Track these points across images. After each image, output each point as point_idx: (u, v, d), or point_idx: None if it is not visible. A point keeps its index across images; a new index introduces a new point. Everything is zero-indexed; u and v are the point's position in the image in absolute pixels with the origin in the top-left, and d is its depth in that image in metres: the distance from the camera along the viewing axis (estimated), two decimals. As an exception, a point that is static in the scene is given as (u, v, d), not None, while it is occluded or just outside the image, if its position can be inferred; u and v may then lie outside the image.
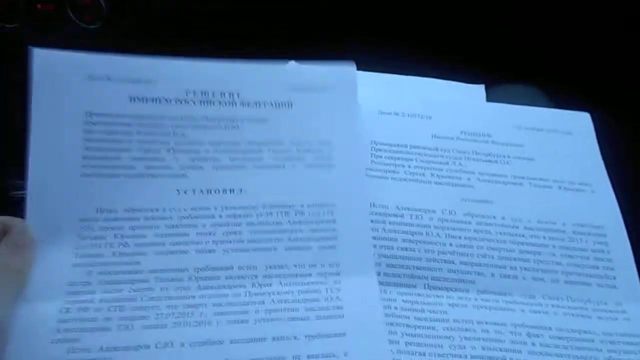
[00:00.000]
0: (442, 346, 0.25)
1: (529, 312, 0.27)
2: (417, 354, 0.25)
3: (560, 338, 0.26)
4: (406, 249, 0.29)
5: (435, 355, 0.25)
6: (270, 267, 0.27)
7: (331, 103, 0.31)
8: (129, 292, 0.26)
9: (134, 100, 0.28)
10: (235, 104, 0.30)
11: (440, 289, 0.28)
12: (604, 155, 0.34)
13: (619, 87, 0.40)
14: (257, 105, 0.30)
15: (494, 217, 0.30)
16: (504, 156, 0.33)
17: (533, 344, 0.26)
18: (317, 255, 0.27)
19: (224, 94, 0.30)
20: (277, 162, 0.29)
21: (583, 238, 0.30)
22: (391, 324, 0.26)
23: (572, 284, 0.28)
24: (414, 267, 0.28)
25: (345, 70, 0.31)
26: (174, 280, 0.26)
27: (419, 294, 0.28)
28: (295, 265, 0.27)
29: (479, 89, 0.37)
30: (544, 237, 0.30)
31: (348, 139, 0.30)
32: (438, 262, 0.29)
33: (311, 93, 0.31)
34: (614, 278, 0.29)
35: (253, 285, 0.26)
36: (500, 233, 0.30)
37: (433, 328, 0.26)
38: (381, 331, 0.25)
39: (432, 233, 0.29)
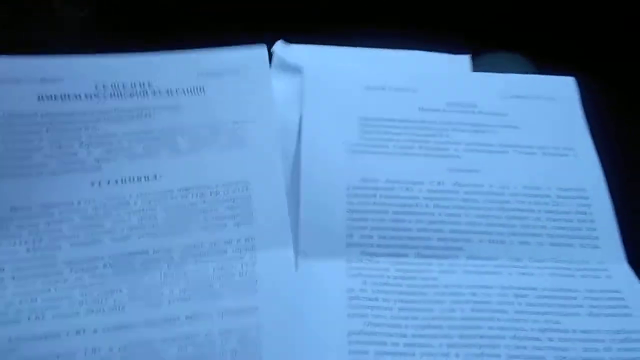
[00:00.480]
0: (433, 310, 0.27)
1: (515, 275, 0.29)
2: (409, 318, 0.26)
3: (545, 297, 0.27)
4: (397, 220, 0.30)
5: (427, 319, 0.26)
6: (186, 247, 0.27)
7: (243, 85, 0.32)
8: (42, 284, 0.26)
9: (42, 98, 0.29)
10: (147, 94, 0.31)
11: (430, 257, 0.29)
12: (589, 119, 0.34)
13: (603, 52, 0.40)
14: (169, 94, 0.31)
15: (481, 186, 0.31)
16: (490, 125, 0.34)
17: (519, 304, 0.27)
18: (232, 231, 0.28)
19: (135, 85, 0.30)
20: (191, 146, 0.30)
21: (567, 201, 0.31)
22: (385, 291, 0.27)
23: (557, 245, 0.30)
24: (405, 237, 0.30)
25: (255, 53, 0.33)
26: (89, 270, 0.26)
27: (410, 263, 0.29)
28: (210, 244, 0.27)
29: (464, 59, 0.38)
30: (529, 202, 0.31)
31: (261, 118, 0.31)
32: (428, 231, 0.30)
33: (222, 77, 0.32)
34: (597, 238, 0.30)
35: (169, 266, 0.27)
36: (487, 201, 0.31)
37: (424, 294, 0.28)
38: (295, 303, 0.26)
39: (421, 204, 0.31)
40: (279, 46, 0.36)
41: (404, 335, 0.26)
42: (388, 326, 0.26)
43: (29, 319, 0.25)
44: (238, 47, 0.33)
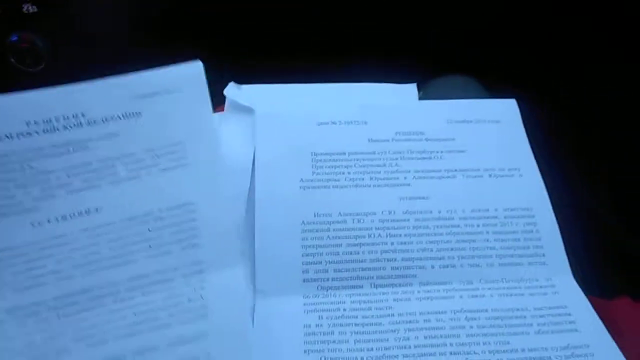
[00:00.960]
0: (388, 340, 0.27)
1: (467, 298, 0.29)
2: (365, 350, 0.27)
3: (495, 318, 0.28)
4: (351, 252, 0.31)
5: (382, 349, 0.27)
6: (132, 279, 0.27)
7: (180, 104, 0.31)
8: None
9: None
10: (82, 124, 0.30)
11: (385, 286, 0.30)
12: (532, 139, 0.36)
13: (544, 74, 0.42)
14: (105, 121, 0.30)
15: (431, 212, 0.32)
16: (437, 152, 0.35)
17: (471, 327, 0.28)
18: (179, 257, 0.28)
19: (68, 117, 0.30)
20: (131, 173, 0.29)
21: (514, 221, 0.32)
22: (341, 324, 0.28)
23: (506, 265, 0.31)
24: (359, 268, 0.30)
25: (190, 70, 0.32)
26: (32, 315, 0.26)
27: (366, 294, 0.30)
28: (157, 272, 0.27)
29: (412, 88, 0.39)
30: (478, 225, 0.32)
31: (201, 136, 0.31)
32: (381, 261, 0.31)
33: (159, 97, 0.31)
34: (543, 255, 0.31)
35: (114, 301, 0.26)
36: (437, 226, 0.32)
37: (380, 324, 0.28)
38: (245, 326, 0.26)
39: (374, 235, 0.31)
40: (231, 88, 0.37)
41: (360, 368, 0.26)
42: (344, 359, 0.27)
43: None
44: (172, 65, 0.32)
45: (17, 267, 0.27)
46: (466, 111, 0.37)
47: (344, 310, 0.29)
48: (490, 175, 0.34)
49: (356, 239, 0.31)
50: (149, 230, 0.28)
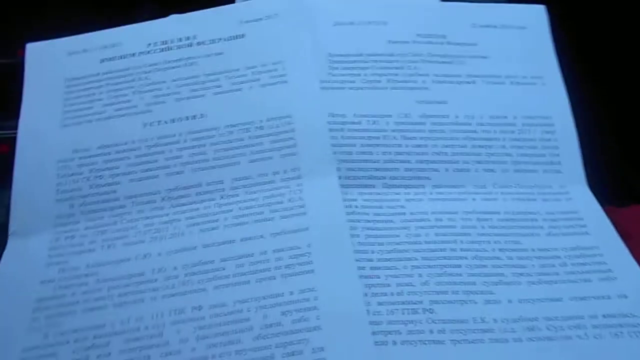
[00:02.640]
0: (399, 236, 0.28)
1: (479, 201, 0.29)
2: (376, 244, 0.27)
3: (507, 220, 0.28)
4: (364, 152, 0.30)
5: (392, 244, 0.27)
6: (235, 179, 0.29)
7: (281, 28, 0.34)
8: (109, 217, 0.29)
9: (104, 61, 0.33)
10: (192, 45, 0.34)
11: (397, 186, 0.30)
12: (558, 47, 0.34)
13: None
14: (212, 42, 0.33)
15: (448, 116, 0.32)
16: (459, 56, 0.33)
17: (482, 227, 0.28)
18: (278, 163, 0.29)
19: (181, 39, 0.34)
20: (234, 86, 0.32)
21: (532, 129, 0.31)
22: (352, 220, 0.28)
23: (521, 172, 0.30)
24: (372, 169, 0.30)
25: (292, 2, 0.34)
26: (149, 203, 0.29)
27: (378, 193, 0.30)
28: (259, 175, 0.29)
29: (435, -10, 0.37)
30: (495, 131, 0.31)
31: (300, 56, 0.33)
32: (395, 162, 0.30)
33: (261, 22, 0.34)
34: (559, 164, 0.31)
35: (221, 197, 0.29)
36: (454, 131, 0.31)
37: (391, 221, 0.28)
38: (342, 224, 0.27)
39: (388, 136, 0.31)
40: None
41: (370, 260, 0.27)
42: (355, 252, 0.27)
43: (102, 247, 0.27)
44: None
45: (131, 160, 0.30)
46: (491, 15, 0.35)
47: (355, 207, 0.29)
48: (511, 83, 0.33)
49: (370, 139, 0.31)
50: (250, 137, 0.30)
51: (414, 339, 0.24)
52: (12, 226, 0.29)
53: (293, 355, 0.23)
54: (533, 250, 0.27)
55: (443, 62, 0.33)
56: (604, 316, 0.24)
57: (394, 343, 0.23)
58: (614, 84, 0.39)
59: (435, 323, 0.24)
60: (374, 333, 0.24)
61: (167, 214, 0.28)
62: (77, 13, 0.44)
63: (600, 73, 0.34)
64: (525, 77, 0.33)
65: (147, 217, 0.28)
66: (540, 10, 0.35)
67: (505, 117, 0.32)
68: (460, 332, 0.24)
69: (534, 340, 0.23)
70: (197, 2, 0.36)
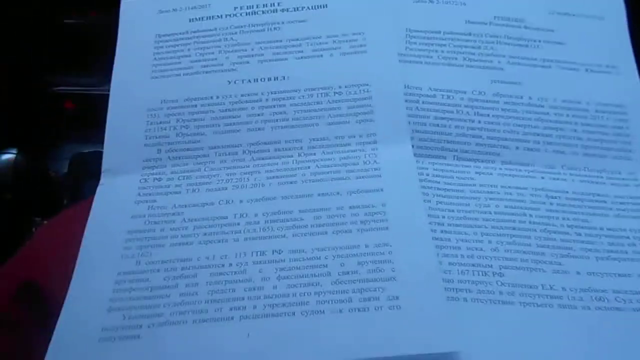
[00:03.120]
0: (468, 204, 0.29)
1: (548, 179, 0.30)
2: (447, 210, 0.28)
3: (575, 199, 0.29)
4: (437, 125, 0.31)
5: (463, 212, 0.28)
6: (313, 139, 0.31)
7: (363, 0, 0.35)
8: (194, 164, 0.31)
9: (193, 20, 0.35)
10: (277, 11, 0.35)
11: (468, 160, 0.31)
12: (634, 38, 0.35)
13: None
14: (296, 10, 0.35)
15: (521, 97, 0.32)
16: (535, 40, 0.34)
17: (551, 204, 0.29)
18: (355, 127, 0.31)
19: (266, 5, 0.35)
20: (315, 52, 0.33)
21: (605, 116, 0.32)
22: (424, 187, 0.29)
23: (590, 156, 0.31)
24: (444, 141, 0.31)
25: None
26: (231, 154, 0.31)
27: (448, 164, 0.31)
28: (335, 137, 0.31)
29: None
30: (568, 115, 0.32)
31: (380, 28, 0.34)
32: (467, 136, 0.31)
33: None
34: (630, 151, 0.31)
35: (299, 155, 0.30)
36: (527, 111, 0.32)
37: (461, 191, 0.29)
38: (415, 187, 0.28)
39: (462, 111, 0.32)
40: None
41: (441, 224, 0.28)
42: (427, 216, 0.28)
43: (187, 191, 0.29)
44: None
45: (215, 114, 0.32)
46: (570, 3, 0.35)
47: (427, 175, 0.30)
48: (586, 70, 0.33)
49: (444, 113, 0.32)
50: (328, 101, 0.31)
51: (484, 298, 0.25)
52: (105, 164, 0.31)
53: (370, 300, 0.24)
54: (602, 229, 0.28)
55: (519, 45, 0.34)
56: (673, 294, 0.25)
57: (465, 300, 0.25)
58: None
59: (505, 286, 0.25)
60: (446, 289, 0.25)
61: (248, 166, 0.30)
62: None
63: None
64: (600, 66, 0.34)
65: (229, 167, 0.30)
66: (619, 1, 0.35)
67: (579, 102, 0.32)
68: (529, 296, 0.25)
69: (602, 310, 0.24)
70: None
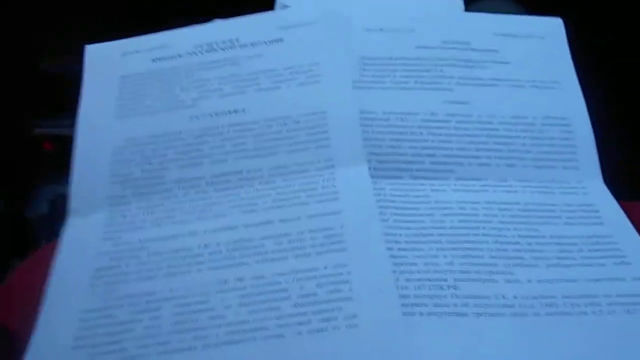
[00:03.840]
0: (424, 221, 0.30)
1: (501, 192, 0.31)
2: (403, 228, 0.29)
3: (526, 210, 0.30)
4: (393, 146, 0.33)
5: (418, 228, 0.29)
6: (273, 168, 0.32)
7: (317, 33, 0.37)
8: (158, 199, 0.31)
9: (155, 60, 0.36)
10: (235, 47, 0.36)
11: (423, 178, 0.32)
12: (573, 57, 0.37)
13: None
14: (253, 45, 0.36)
15: (471, 116, 0.34)
16: (482, 61, 0.36)
17: (503, 216, 0.30)
18: (313, 154, 0.32)
19: (225, 42, 0.37)
20: (273, 84, 0.35)
21: (551, 128, 0.34)
22: (381, 207, 0.30)
23: (540, 167, 0.32)
24: (400, 161, 0.32)
25: (327, 7, 0.37)
26: (194, 187, 0.32)
27: (405, 183, 0.32)
28: (295, 164, 0.32)
29: (458, 2, 0.40)
30: (516, 130, 0.33)
31: (334, 58, 0.35)
32: (421, 156, 0.33)
33: (298, 28, 0.37)
34: (577, 161, 0.33)
35: (260, 183, 0.31)
36: (477, 129, 0.33)
37: (417, 208, 0.30)
38: (372, 208, 0.29)
39: (415, 132, 0.33)
40: (283, -2, 0.39)
41: (398, 242, 0.29)
42: (384, 234, 0.29)
43: (151, 225, 0.30)
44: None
45: (178, 149, 0.33)
46: (512, 25, 0.37)
47: (384, 195, 0.31)
48: (531, 86, 0.35)
49: (398, 135, 0.33)
50: (287, 130, 0.33)
51: (439, 311, 0.26)
52: (72, 204, 0.32)
53: (328, 320, 0.25)
54: (551, 237, 0.29)
55: (467, 67, 0.36)
56: (618, 295, 0.26)
57: (421, 314, 0.25)
58: (630, 88, 0.41)
59: (459, 298, 0.26)
60: (402, 305, 0.26)
61: (211, 197, 0.31)
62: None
63: (618, 77, 0.36)
64: (544, 82, 0.35)
65: (193, 200, 0.31)
66: (558, 22, 0.38)
67: (526, 117, 0.34)
68: (483, 307, 0.26)
69: (551, 315, 0.25)
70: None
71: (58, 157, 0.59)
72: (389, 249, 0.28)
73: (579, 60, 0.36)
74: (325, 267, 0.27)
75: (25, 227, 0.57)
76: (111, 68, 0.37)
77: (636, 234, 0.29)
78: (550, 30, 0.37)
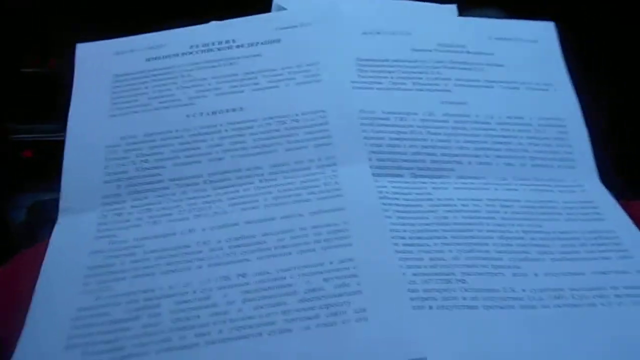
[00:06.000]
0: (427, 218, 0.29)
1: (501, 190, 0.31)
2: (407, 224, 0.29)
3: (527, 207, 0.30)
4: (393, 145, 0.33)
5: (422, 225, 0.29)
6: (273, 165, 0.31)
7: (314, 34, 0.36)
8: (154, 197, 0.30)
9: (150, 60, 0.36)
10: (232, 47, 0.36)
11: (424, 176, 0.32)
12: (566, 60, 0.38)
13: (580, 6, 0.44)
14: (251, 46, 0.36)
15: (469, 116, 0.34)
16: (477, 64, 0.37)
17: (505, 212, 0.30)
18: (313, 152, 0.32)
19: (221, 42, 0.36)
20: (271, 84, 0.34)
21: (547, 129, 0.34)
22: (383, 204, 0.30)
23: (538, 166, 0.33)
24: (400, 160, 0.32)
25: (324, 8, 0.37)
26: (192, 185, 0.31)
27: (406, 181, 0.32)
28: (295, 162, 0.31)
29: (452, 8, 0.41)
30: (513, 130, 0.34)
31: (332, 58, 0.35)
32: (422, 154, 0.33)
33: (296, 29, 0.37)
34: (573, 160, 0.33)
35: (260, 181, 0.31)
36: (475, 129, 0.34)
37: (420, 206, 0.30)
38: (376, 204, 0.29)
39: (415, 131, 0.33)
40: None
41: (403, 238, 0.28)
42: (389, 231, 0.29)
43: (147, 223, 0.29)
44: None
45: (175, 147, 0.32)
46: (506, 29, 0.38)
47: (386, 193, 0.31)
48: (526, 88, 0.36)
49: (398, 134, 0.33)
50: (286, 129, 0.32)
51: (449, 304, 0.25)
52: (63, 204, 0.30)
53: (337, 315, 0.24)
54: (554, 232, 0.29)
55: (463, 69, 0.36)
56: (624, 287, 0.26)
57: (430, 308, 0.25)
58: (625, 88, 0.42)
59: (468, 291, 0.26)
60: (411, 299, 0.25)
61: (210, 195, 0.30)
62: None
63: (611, 79, 0.37)
64: (538, 84, 0.36)
65: (190, 198, 0.30)
66: (550, 26, 0.39)
67: (522, 117, 0.34)
68: (492, 299, 0.25)
69: (560, 307, 0.25)
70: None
71: (39, 164, 0.57)
72: (395, 244, 0.28)
73: (571, 62, 0.37)
74: (331, 262, 0.26)
75: (6, 233, 0.54)
76: (103, 66, 0.36)
77: (636, 229, 0.29)
78: (542, 34, 0.38)
